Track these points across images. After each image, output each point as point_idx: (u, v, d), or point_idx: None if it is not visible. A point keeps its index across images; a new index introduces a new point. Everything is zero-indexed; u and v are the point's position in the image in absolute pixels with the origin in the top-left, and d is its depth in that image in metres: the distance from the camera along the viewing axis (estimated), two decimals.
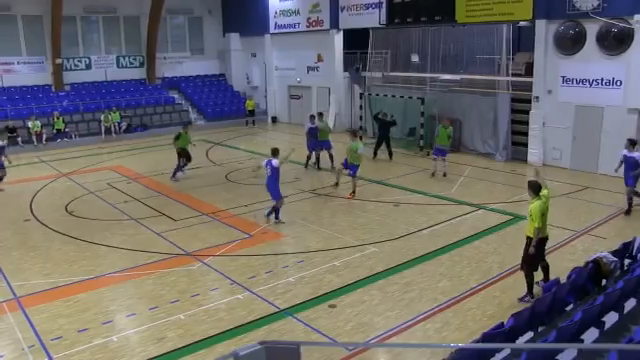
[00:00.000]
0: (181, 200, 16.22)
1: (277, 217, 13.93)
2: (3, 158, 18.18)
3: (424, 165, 19.88)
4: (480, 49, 22.63)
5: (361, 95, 25.35)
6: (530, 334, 7.39)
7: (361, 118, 24.65)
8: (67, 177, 19.57)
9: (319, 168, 19.85)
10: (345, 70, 27.58)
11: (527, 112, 19.94)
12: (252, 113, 30.93)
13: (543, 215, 9.18)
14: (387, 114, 21.76)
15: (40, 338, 8.63)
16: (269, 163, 13.48)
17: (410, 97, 22.52)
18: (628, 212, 13.98)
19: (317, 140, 19.47)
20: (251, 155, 22.42)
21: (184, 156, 18.80)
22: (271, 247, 12.40)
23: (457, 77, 22.61)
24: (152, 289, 10.33)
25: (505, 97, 20.46)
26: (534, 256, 9.35)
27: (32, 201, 16.65)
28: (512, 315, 7.17)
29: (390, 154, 21.13)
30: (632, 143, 13.99)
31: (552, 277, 8.85)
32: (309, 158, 19.90)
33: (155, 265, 11.42)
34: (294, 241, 12.71)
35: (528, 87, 19.84)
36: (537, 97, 19.49)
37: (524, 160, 20.05)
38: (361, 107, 24.90)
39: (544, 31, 18.93)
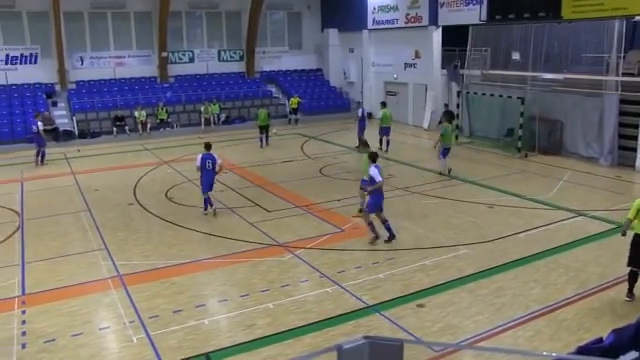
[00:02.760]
0: (275, 192, 16.59)
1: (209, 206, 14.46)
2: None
3: (521, 167, 19.22)
4: (587, 47, 21.49)
5: (458, 93, 24.82)
6: (634, 354, 6.89)
7: (458, 116, 24.13)
8: (168, 165, 20.52)
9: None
10: (443, 67, 27.10)
11: (638, 115, 18.73)
12: (295, 111, 29.86)
13: None
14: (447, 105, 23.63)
15: (139, 315, 9.14)
16: (212, 157, 14.14)
17: (509, 96, 21.77)
18: None
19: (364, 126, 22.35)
20: (346, 150, 22.52)
21: (262, 131, 23.90)
22: (362, 243, 12.41)
23: (560, 76, 21.60)
24: (244, 277, 10.64)
25: (613, 98, 19.33)
26: (630, 253, 9.29)
27: (136, 186, 17.63)
28: (613, 330, 6.74)
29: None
30: None
31: None
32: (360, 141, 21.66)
33: (248, 254, 11.76)
34: (385, 238, 12.65)
35: None
36: None
37: (632, 166, 18.87)
38: (458, 105, 24.38)
39: None
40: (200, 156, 14.19)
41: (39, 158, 21.33)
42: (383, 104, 23.46)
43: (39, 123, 21.56)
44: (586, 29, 21.51)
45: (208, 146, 14.48)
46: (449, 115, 20.43)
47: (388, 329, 8.66)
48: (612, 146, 19.41)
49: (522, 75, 22.72)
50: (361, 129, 22.18)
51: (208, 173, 14.11)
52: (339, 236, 12.82)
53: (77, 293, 10.04)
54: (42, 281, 10.60)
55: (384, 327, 8.73)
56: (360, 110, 23.01)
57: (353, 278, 10.49)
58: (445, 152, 18.27)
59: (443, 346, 8.08)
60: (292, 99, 29.95)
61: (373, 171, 11.93)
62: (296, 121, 29.67)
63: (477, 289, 9.97)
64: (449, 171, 18.24)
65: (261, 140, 23.92)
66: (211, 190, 14.41)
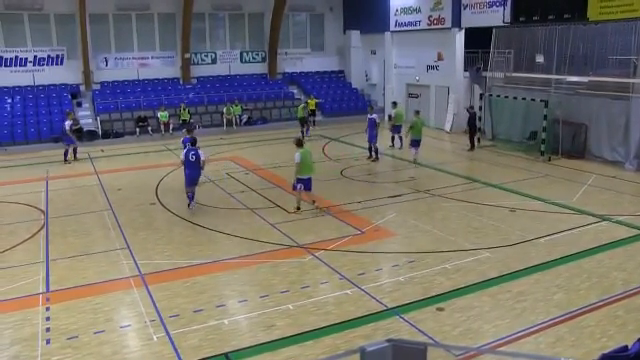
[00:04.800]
0: (295, 193, 16.58)
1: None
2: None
3: (544, 170, 19.01)
4: (613, 49, 21.15)
5: (481, 96, 24.64)
6: None
7: (480, 119, 23.95)
8: None
9: (376, 158, 21.19)
10: (465, 70, 26.93)
11: None
12: (314, 113, 29.19)
13: None
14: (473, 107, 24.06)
15: (160, 314, 9.23)
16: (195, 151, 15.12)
17: (533, 99, 21.55)
18: None
19: (376, 129, 21.07)
20: (367, 152, 22.44)
21: (302, 123, 26.14)
22: (382, 245, 12.40)
23: (585, 79, 21.31)
24: (264, 278, 10.68)
25: None
26: None
27: (158, 186, 17.79)
28: (639, 339, 6.63)
29: (473, 145, 23.02)
30: None
31: None
32: (371, 149, 21.32)
33: (268, 255, 11.80)
34: (406, 241, 12.62)
35: None
36: None
37: None
38: (481, 108, 24.19)
39: None
40: (182, 139, 17.20)
41: (70, 155, 22.10)
42: (394, 104, 24.19)
43: (66, 122, 22.18)
44: (613, 30, 21.17)
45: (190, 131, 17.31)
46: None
47: (408, 332, 8.62)
48: (638, 150, 19.10)
49: (546, 78, 22.47)
50: (371, 136, 20.90)
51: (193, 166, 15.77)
52: (359, 238, 12.80)
53: (99, 291, 10.18)
54: (66, 278, 10.76)
55: (404, 330, 8.70)
56: (369, 117, 21.22)
57: (373, 280, 10.47)
58: (414, 143, 20.23)
59: (463, 350, 8.03)
60: (309, 101, 29.43)
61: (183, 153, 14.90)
62: (314, 122, 29.13)
63: (498, 293, 9.88)
64: (414, 160, 20.26)
65: (302, 133, 25.45)
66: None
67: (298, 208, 14.70)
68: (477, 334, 8.54)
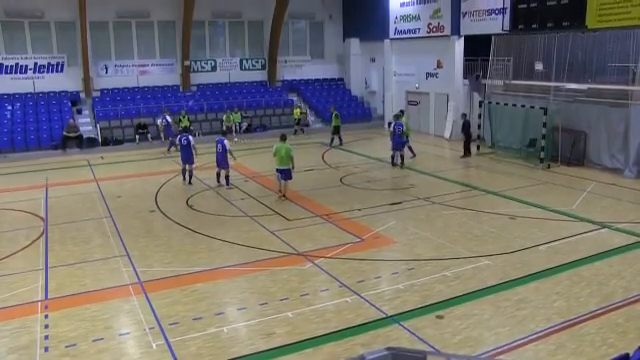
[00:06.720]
0: (295, 200, 16.61)
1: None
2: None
3: (544, 178, 19.02)
4: (612, 56, 21.22)
5: (480, 103, 24.67)
6: None
7: (479, 127, 23.99)
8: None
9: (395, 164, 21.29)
10: (465, 77, 26.98)
11: None
12: (299, 122, 30.11)
13: None
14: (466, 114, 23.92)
15: (159, 321, 9.20)
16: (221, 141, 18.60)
17: (532, 107, 21.58)
18: None
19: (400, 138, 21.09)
20: (367, 159, 22.49)
21: (335, 132, 26.03)
22: (382, 252, 12.38)
23: (584, 86, 21.35)
24: (263, 285, 10.66)
25: (639, 109, 19.04)
26: None
27: (157, 193, 17.80)
28: None
29: (469, 151, 23.11)
30: None
31: None
32: (401, 158, 21.29)
33: (268, 262, 11.77)
34: (405, 248, 12.60)
35: None
36: None
37: None
38: (480, 116, 24.22)
39: None
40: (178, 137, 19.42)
41: (171, 148, 24.77)
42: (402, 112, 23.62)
43: (167, 117, 25.88)
44: (611, 38, 21.26)
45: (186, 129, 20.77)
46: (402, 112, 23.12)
47: (407, 340, 8.59)
48: (638, 157, 19.10)
49: (545, 85, 22.52)
50: (396, 144, 20.99)
51: (184, 149, 18.93)
52: (359, 246, 12.78)
53: (98, 299, 10.16)
54: (64, 286, 10.74)
55: (403, 338, 8.67)
56: (392, 125, 21.57)
57: (373, 288, 10.45)
58: (405, 143, 21.30)
59: (463, 358, 7.98)
60: (295, 110, 30.32)
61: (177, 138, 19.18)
62: (302, 131, 29.72)
63: (498, 301, 9.86)
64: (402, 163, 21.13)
65: (331, 141, 26.09)
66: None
67: (282, 195, 16.70)
68: (477, 342, 8.52)
